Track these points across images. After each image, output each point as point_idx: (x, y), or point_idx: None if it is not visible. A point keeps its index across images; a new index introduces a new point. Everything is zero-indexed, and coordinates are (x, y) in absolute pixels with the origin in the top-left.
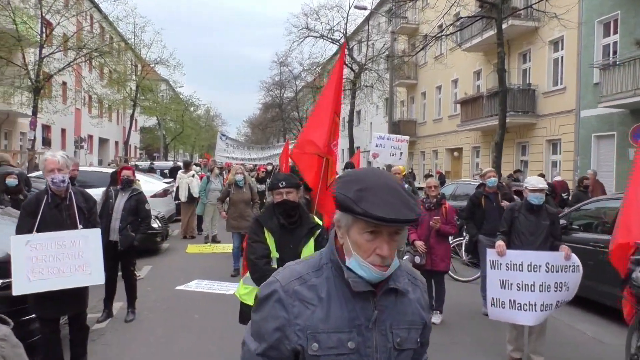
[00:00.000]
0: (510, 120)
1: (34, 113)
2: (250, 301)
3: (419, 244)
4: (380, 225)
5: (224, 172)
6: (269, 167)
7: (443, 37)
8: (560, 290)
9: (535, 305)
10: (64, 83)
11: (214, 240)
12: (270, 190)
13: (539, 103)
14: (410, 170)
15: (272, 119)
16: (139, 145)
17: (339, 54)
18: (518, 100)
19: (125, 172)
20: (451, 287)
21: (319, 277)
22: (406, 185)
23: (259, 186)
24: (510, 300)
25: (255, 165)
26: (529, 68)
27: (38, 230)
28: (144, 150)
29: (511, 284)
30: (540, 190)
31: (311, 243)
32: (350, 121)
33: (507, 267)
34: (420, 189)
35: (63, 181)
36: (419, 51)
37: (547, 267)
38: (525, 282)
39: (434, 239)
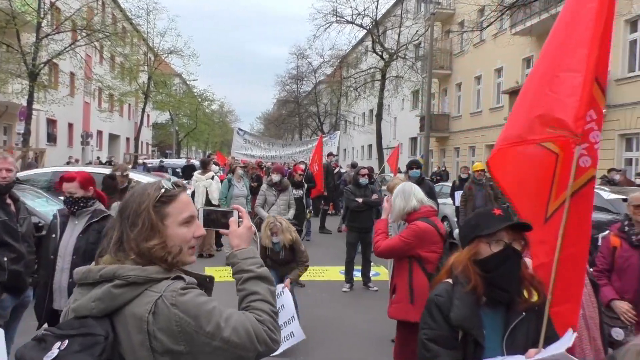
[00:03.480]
0: None
1: (29, 103)
2: None
3: (623, 308)
4: None
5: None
6: (302, 166)
7: (486, 21)
8: None
9: None
10: (72, 74)
11: None
12: None
13: (610, 91)
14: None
15: (289, 114)
16: (151, 142)
17: None
18: None
19: (66, 186)
20: None
21: None
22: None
23: (295, 192)
24: None
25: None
26: None
27: None
28: (156, 147)
29: None
30: None
31: None
32: (379, 115)
33: None
34: None
35: None
36: (483, 28)
37: None
38: None
39: None
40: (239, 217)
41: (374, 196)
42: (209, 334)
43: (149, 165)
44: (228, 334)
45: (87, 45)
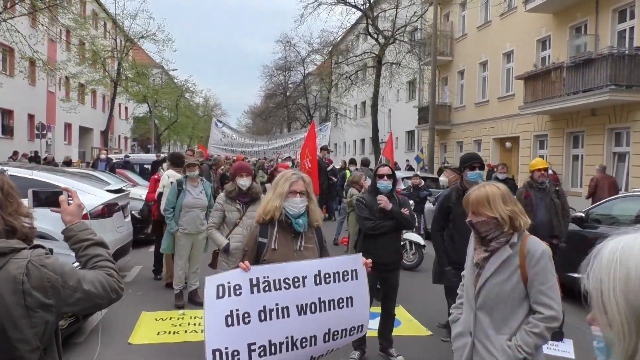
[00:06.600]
0: (602, 99)
1: None
2: None
3: None
4: None
5: (211, 174)
6: (289, 164)
7: None
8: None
9: None
10: (32, 61)
11: (194, 300)
12: None
13: None
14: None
15: (276, 106)
16: (129, 136)
17: None
18: (622, 69)
19: None
20: None
21: None
22: None
23: None
24: None
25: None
26: (631, 28)
27: None
28: (136, 141)
29: None
30: None
31: None
32: (375, 105)
33: None
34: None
35: None
36: None
37: None
38: None
39: None
40: (69, 196)
41: (404, 211)
42: (72, 287)
43: (115, 161)
44: (88, 287)
45: (23, 15)
